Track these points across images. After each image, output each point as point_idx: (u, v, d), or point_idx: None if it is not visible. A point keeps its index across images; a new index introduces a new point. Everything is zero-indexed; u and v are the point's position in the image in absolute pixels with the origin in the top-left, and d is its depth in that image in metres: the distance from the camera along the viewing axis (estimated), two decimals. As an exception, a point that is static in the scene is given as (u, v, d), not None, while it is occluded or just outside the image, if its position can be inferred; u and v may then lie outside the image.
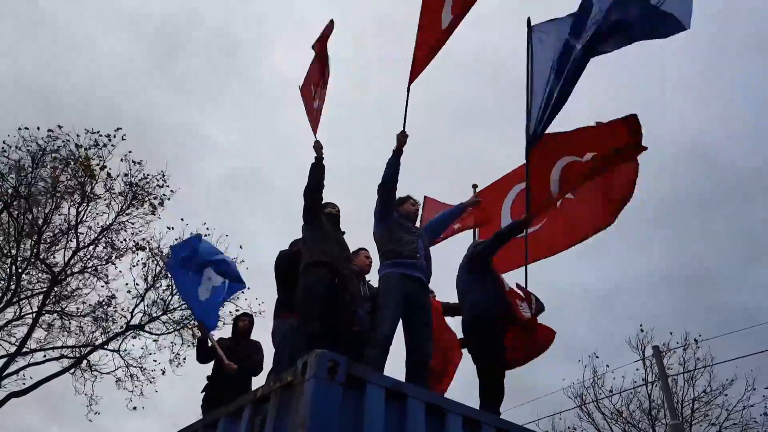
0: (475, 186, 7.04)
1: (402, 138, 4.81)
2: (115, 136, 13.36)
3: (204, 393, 5.66)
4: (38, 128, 12.99)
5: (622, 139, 4.97)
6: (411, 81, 5.38)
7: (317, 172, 4.86)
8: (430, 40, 5.43)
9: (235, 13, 41.78)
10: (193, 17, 38.09)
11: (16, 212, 13.15)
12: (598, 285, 28.96)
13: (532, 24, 5.51)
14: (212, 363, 5.77)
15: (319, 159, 4.95)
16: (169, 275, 7.17)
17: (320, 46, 6.09)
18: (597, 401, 16.69)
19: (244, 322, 6.15)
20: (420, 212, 5.65)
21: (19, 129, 12.79)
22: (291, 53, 44.17)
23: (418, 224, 5.40)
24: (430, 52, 5.44)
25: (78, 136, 13.18)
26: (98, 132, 13.27)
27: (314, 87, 6.12)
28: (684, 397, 15.72)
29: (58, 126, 13.06)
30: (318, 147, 5.05)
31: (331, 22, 6.03)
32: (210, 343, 5.80)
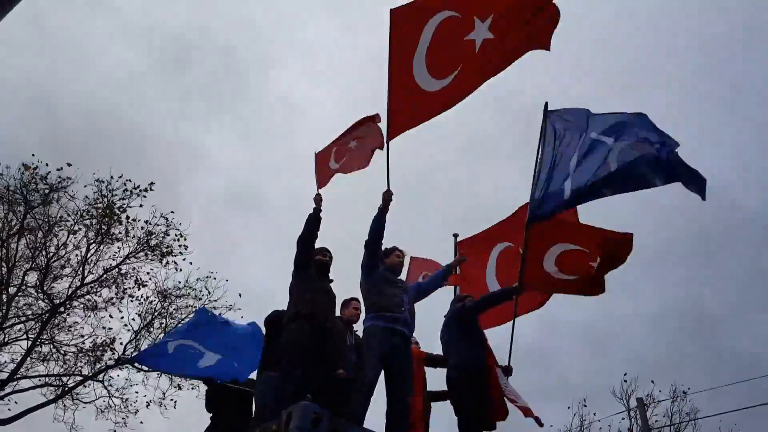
0: (456, 235, 7.30)
1: (387, 197, 5.02)
2: (147, 189, 13.78)
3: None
4: (58, 169, 13.38)
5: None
6: (389, 138, 5.44)
7: (312, 223, 5.05)
8: (408, 100, 5.44)
9: (242, 33, 42.66)
10: (201, 35, 38.83)
11: (14, 243, 13.39)
12: (596, 324, 28.88)
13: (549, 109, 5.89)
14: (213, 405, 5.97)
15: (316, 211, 5.15)
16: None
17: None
18: (583, 450, 16.64)
19: None
20: (406, 271, 5.86)
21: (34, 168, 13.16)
22: (296, 76, 44.85)
23: (403, 277, 5.59)
24: (411, 115, 5.46)
25: (112, 178, 13.64)
26: (135, 185, 13.72)
27: (337, 151, 6.39)
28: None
29: (68, 164, 13.44)
30: (318, 200, 5.26)
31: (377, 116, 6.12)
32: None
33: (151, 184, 13.85)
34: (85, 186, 13.55)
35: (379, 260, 5.06)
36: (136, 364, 13.92)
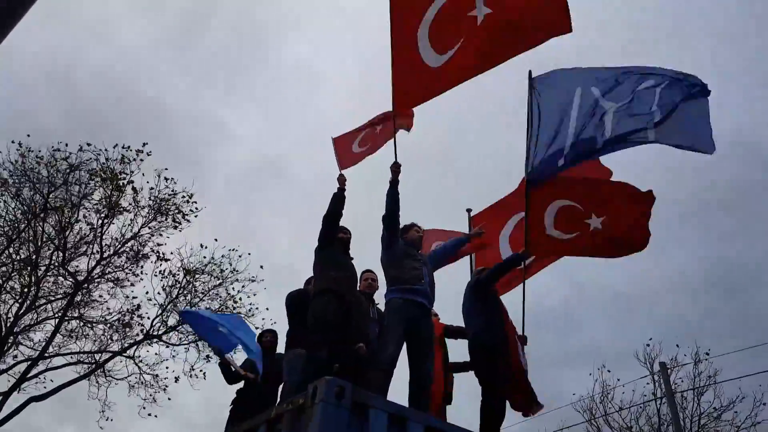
0: (469, 210, 7.32)
1: (395, 169, 5.11)
2: (142, 152, 13.69)
3: (232, 406, 5.95)
4: (66, 145, 13.56)
5: (634, 210, 5.53)
6: (394, 114, 5.58)
7: (337, 202, 5.12)
8: (414, 77, 5.45)
9: None
10: (216, 1, 38.21)
11: (40, 223, 13.64)
12: (624, 288, 28.62)
13: (533, 76, 5.85)
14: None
15: (341, 191, 5.21)
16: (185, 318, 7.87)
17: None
18: (606, 416, 16.77)
19: (266, 338, 6.39)
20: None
21: (55, 150, 13.39)
22: (316, 40, 43.99)
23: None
24: (416, 92, 5.49)
25: (106, 150, 13.60)
26: (128, 147, 13.64)
27: (363, 138, 6.47)
28: (694, 413, 15.76)
29: (87, 144, 13.58)
30: (341, 180, 5.30)
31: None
32: (232, 368, 6.15)
33: (144, 144, 13.68)
34: (81, 147, 13.54)
35: (397, 235, 5.10)
36: (164, 338, 14.33)
